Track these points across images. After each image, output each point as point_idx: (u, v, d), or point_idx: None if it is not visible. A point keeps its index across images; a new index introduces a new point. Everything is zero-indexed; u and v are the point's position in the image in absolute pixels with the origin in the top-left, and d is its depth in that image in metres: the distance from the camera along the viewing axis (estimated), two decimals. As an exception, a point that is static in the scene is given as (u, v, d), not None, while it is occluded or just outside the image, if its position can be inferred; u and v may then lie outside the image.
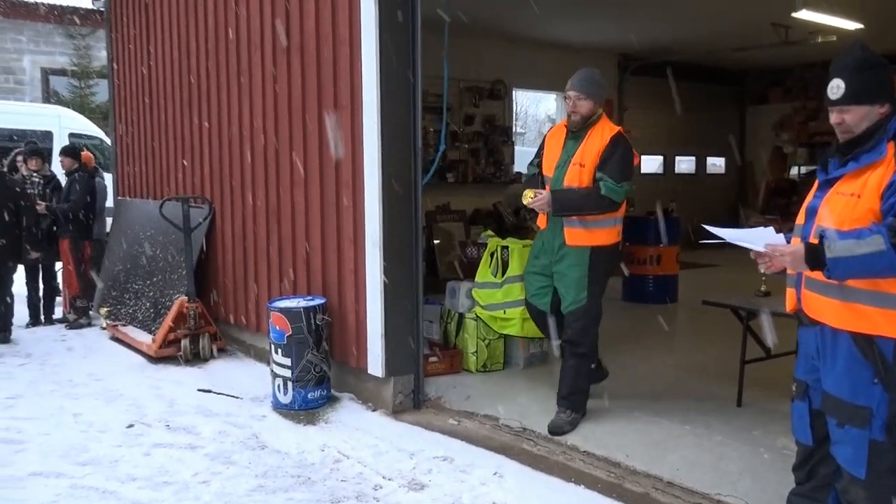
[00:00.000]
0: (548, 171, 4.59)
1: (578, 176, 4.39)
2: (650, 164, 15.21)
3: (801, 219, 2.84)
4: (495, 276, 5.53)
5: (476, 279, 5.69)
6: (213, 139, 6.99)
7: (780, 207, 13.54)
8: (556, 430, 4.47)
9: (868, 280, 2.56)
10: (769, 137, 15.26)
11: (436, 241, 6.97)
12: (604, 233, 4.45)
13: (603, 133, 4.45)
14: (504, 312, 5.39)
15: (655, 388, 5.22)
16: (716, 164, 16.38)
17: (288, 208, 5.92)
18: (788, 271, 2.78)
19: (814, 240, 2.65)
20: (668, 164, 15.54)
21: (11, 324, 7.35)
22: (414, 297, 5.04)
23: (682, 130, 15.27)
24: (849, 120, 2.69)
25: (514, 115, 12.70)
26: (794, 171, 15.25)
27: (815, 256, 2.57)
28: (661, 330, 6.90)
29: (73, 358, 6.67)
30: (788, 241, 2.80)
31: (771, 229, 2.79)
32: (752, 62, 13.48)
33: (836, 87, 2.70)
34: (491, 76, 11.35)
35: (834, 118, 2.73)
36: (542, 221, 4.62)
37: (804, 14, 9.57)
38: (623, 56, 13.52)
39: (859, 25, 9.92)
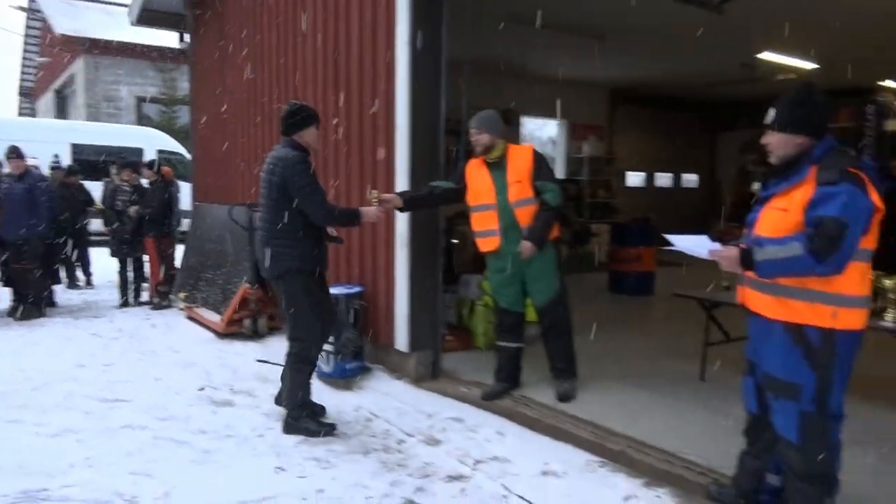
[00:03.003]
0: (474, 201, 4.46)
1: (521, 191, 4.32)
2: (634, 179, 15.16)
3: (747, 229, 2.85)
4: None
5: (486, 273, 5.73)
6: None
7: (743, 217, 13.41)
8: (564, 397, 4.46)
9: (795, 278, 2.60)
10: (736, 158, 15.18)
11: (454, 241, 7.03)
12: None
13: (523, 153, 4.40)
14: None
15: (633, 365, 5.29)
16: (690, 179, 16.30)
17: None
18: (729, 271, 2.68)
19: (746, 245, 2.69)
20: (650, 179, 15.49)
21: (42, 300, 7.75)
22: (434, 287, 5.14)
23: (663, 152, 15.23)
24: (771, 143, 2.74)
25: (520, 138, 12.71)
26: (755, 186, 15.14)
27: (746, 259, 2.64)
28: (639, 317, 6.91)
29: (155, 333, 6.86)
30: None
31: (705, 237, 2.85)
32: (723, 95, 13.44)
33: (769, 114, 2.74)
34: (504, 105, 11.40)
35: (764, 139, 2.77)
36: (492, 244, 4.44)
37: (767, 55, 9.57)
38: (614, 90, 13.52)
39: (815, 65, 9.87)
